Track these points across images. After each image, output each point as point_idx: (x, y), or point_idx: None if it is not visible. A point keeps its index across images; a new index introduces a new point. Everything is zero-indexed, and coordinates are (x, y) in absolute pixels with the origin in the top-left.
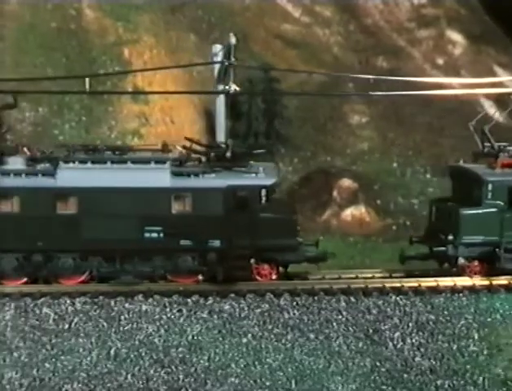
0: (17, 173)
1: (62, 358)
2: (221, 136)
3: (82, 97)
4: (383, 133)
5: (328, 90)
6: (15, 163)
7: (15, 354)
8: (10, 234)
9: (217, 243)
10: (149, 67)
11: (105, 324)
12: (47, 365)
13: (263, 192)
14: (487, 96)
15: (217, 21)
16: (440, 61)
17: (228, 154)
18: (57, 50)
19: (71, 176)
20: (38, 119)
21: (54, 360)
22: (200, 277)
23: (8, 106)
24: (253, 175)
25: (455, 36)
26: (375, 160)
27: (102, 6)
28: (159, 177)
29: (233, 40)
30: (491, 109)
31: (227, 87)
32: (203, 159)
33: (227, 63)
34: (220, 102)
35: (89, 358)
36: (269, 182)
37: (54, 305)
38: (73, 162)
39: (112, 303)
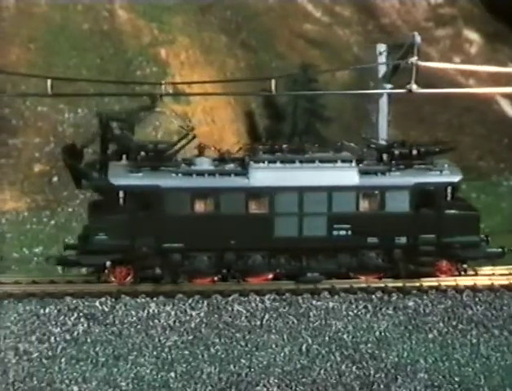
0: (211, 174)
1: (256, 353)
2: (383, 134)
3: (121, 98)
4: (405, 131)
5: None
6: (202, 163)
7: (212, 350)
8: (204, 233)
9: (403, 240)
10: (186, 67)
11: (295, 321)
12: (243, 360)
13: (449, 189)
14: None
15: (243, 21)
16: (457, 60)
17: (414, 152)
18: (90, 52)
19: (263, 176)
20: (78, 120)
21: (249, 356)
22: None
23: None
24: (438, 172)
25: (471, 35)
26: None
27: (134, 7)
28: (348, 176)
29: (418, 38)
30: (507, 107)
31: (407, 86)
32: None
33: (410, 63)
34: (383, 101)
35: (282, 354)
36: (455, 179)
37: (244, 302)
38: (263, 162)
39: (300, 300)
